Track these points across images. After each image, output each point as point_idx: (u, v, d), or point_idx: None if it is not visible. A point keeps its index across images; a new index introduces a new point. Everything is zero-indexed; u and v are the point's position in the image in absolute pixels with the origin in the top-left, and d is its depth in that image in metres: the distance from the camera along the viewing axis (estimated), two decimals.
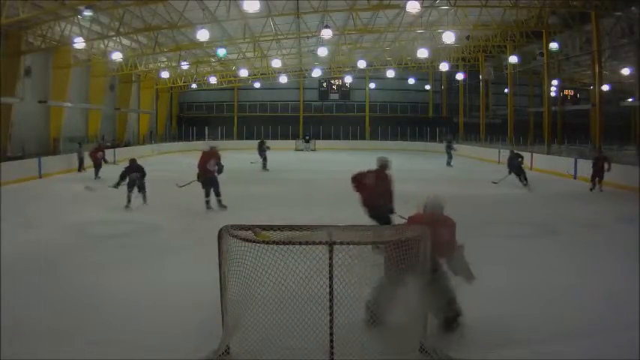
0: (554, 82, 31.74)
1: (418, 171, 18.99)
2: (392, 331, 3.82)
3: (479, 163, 23.90)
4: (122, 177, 10.95)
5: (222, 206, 10.44)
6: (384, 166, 7.32)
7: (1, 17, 15.42)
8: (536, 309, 4.76)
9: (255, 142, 24.38)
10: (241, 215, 8.97)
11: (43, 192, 13.89)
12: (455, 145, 23.75)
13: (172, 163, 24.12)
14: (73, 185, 15.35)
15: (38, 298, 5.04)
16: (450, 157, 22.58)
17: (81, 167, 18.07)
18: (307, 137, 36.53)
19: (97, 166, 16.73)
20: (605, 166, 13.61)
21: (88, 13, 17.60)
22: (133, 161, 11.44)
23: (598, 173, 13.64)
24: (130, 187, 10.83)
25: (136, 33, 21.86)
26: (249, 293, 3.68)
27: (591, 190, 13.68)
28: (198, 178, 10.50)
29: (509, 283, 5.57)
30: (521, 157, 15.15)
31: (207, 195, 10.37)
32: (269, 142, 22.31)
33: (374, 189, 7.02)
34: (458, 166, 21.85)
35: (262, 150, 20.44)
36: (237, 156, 29.52)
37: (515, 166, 14.69)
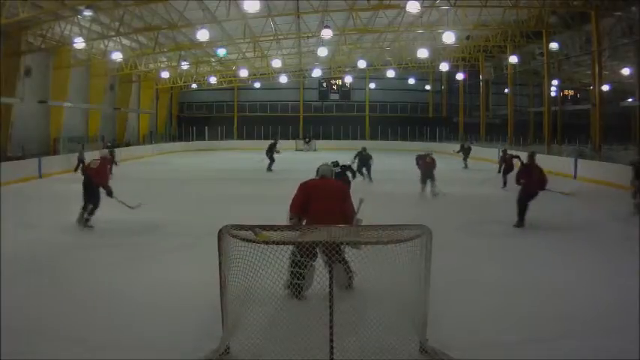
0: (554, 82, 31.75)
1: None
2: (392, 331, 3.82)
3: (479, 163, 23.88)
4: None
5: (88, 225, 8.71)
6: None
7: (1, 17, 15.43)
8: (535, 308, 4.76)
9: (255, 142, 24.36)
10: (241, 215, 8.96)
11: (43, 192, 13.89)
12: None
13: (172, 163, 24.16)
14: (73, 185, 15.34)
15: (38, 298, 5.03)
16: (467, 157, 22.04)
17: (78, 168, 17.90)
18: (307, 139, 36.36)
19: (110, 165, 16.83)
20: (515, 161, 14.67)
21: (88, 13, 17.62)
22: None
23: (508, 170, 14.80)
24: None
25: (136, 33, 21.87)
26: (249, 293, 3.68)
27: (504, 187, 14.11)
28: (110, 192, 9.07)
29: (508, 283, 5.57)
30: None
31: (86, 208, 8.75)
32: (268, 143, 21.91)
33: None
34: (457, 166, 21.83)
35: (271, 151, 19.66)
36: (237, 156, 29.61)
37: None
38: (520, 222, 8.83)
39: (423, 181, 13.08)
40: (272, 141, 20.72)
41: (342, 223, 4.58)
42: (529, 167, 9.07)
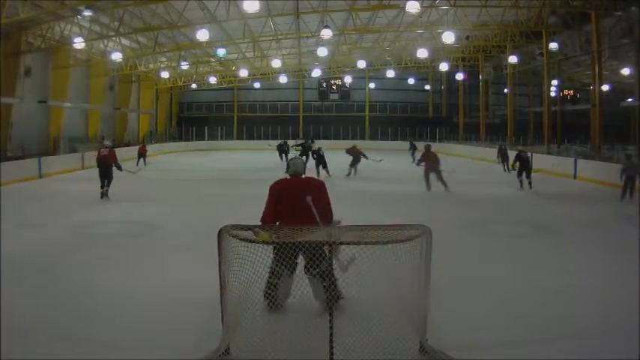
0: (554, 82, 31.74)
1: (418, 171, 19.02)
2: (392, 331, 3.82)
3: (478, 163, 23.91)
4: None
5: (106, 195, 12.05)
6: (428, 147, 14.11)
7: (1, 17, 15.43)
8: (535, 309, 4.76)
9: (255, 143, 25.80)
10: (241, 215, 8.96)
11: (43, 192, 13.89)
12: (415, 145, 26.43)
13: (172, 163, 24.14)
14: (73, 185, 15.37)
15: (38, 298, 5.03)
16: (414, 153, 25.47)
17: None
18: (312, 140, 35.85)
19: (143, 156, 22.74)
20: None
21: (87, 13, 17.63)
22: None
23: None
24: None
25: (136, 33, 21.88)
26: (249, 293, 3.68)
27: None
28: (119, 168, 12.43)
29: (509, 283, 5.57)
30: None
31: (103, 184, 12.11)
32: (272, 142, 24.65)
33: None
34: (457, 166, 21.81)
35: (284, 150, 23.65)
36: (237, 156, 29.60)
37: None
38: (428, 189, 13.42)
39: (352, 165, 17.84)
40: (281, 141, 24.58)
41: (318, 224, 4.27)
42: (427, 154, 13.65)
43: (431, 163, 13.45)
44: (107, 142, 13.38)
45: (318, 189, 4.66)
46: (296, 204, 4.46)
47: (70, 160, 20.00)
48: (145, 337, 4.11)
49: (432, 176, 13.33)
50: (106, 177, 12.03)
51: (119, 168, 12.37)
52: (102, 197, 11.90)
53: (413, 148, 26.14)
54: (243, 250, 3.55)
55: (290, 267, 4.02)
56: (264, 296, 4.27)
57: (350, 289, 4.04)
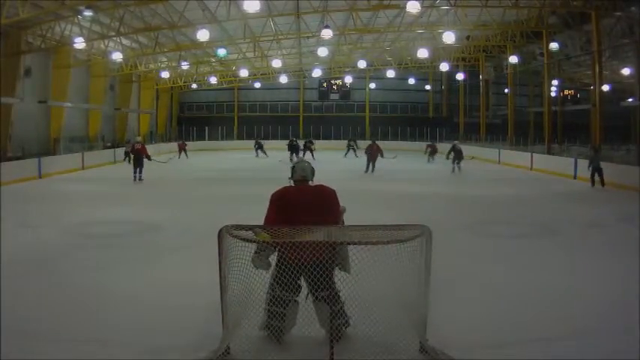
0: (555, 82, 31.74)
1: (419, 171, 19.02)
2: (392, 331, 3.82)
3: (478, 163, 23.89)
4: None
5: (141, 179, 15.60)
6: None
7: (1, 17, 15.42)
8: (535, 309, 4.75)
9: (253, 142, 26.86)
10: (241, 215, 8.95)
11: (43, 192, 13.90)
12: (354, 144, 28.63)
13: (172, 162, 24.14)
14: (72, 185, 15.38)
15: (38, 298, 5.03)
16: (348, 151, 28.10)
17: (129, 159, 21.81)
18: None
19: (184, 151, 27.78)
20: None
21: (88, 13, 17.62)
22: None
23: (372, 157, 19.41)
24: None
25: (136, 33, 21.87)
26: (249, 293, 3.67)
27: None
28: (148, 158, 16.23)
29: (509, 283, 5.57)
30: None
31: (136, 172, 15.62)
32: (269, 143, 26.43)
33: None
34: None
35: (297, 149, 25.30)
36: (238, 156, 29.60)
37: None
38: (366, 171, 18.18)
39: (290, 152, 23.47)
40: (260, 140, 29.05)
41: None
42: (372, 146, 18.53)
43: (374, 153, 18.37)
44: (138, 139, 18.12)
45: (328, 198, 4.03)
46: (304, 218, 3.75)
47: (70, 160, 20.00)
48: (145, 337, 4.11)
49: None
50: (139, 165, 15.48)
51: (148, 158, 15.87)
52: (134, 181, 15.25)
53: (351, 145, 28.50)
54: (243, 251, 3.55)
55: (295, 289, 3.69)
56: (265, 327, 3.82)
57: (349, 288, 4.04)
